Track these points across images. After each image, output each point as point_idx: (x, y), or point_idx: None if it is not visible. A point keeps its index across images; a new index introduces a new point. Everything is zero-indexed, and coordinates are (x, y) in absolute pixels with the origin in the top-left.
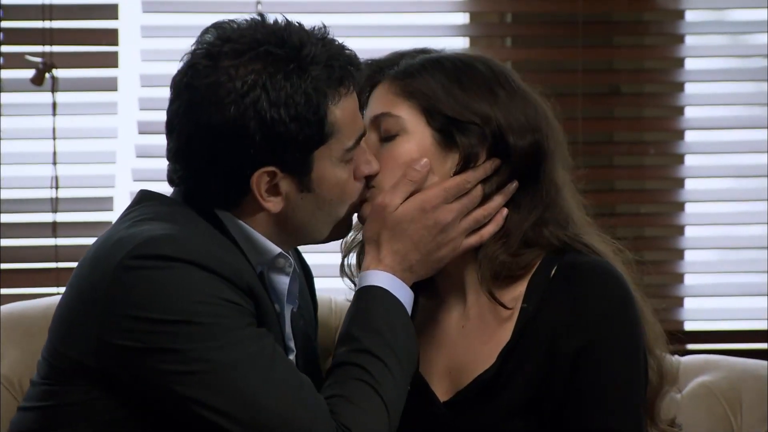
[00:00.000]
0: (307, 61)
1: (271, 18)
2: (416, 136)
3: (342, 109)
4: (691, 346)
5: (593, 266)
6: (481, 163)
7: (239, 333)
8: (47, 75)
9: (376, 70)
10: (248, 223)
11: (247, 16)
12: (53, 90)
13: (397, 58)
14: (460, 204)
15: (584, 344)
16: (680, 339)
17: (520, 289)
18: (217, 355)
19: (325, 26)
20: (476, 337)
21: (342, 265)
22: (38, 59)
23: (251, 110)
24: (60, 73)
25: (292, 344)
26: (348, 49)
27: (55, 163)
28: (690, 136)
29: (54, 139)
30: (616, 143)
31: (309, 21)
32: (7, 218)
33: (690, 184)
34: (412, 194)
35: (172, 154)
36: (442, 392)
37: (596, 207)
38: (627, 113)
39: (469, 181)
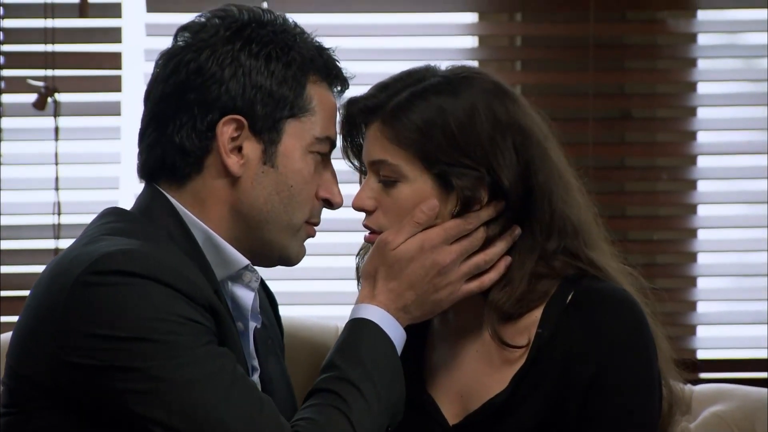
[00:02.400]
0: (295, 37)
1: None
2: (416, 182)
3: (320, 96)
4: (703, 375)
5: (609, 293)
6: (485, 205)
7: (198, 351)
8: (49, 99)
9: (365, 111)
10: (206, 209)
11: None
12: (55, 114)
13: (384, 96)
14: (460, 246)
15: (599, 371)
16: (693, 368)
17: (536, 314)
18: (174, 373)
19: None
20: (490, 361)
21: (358, 279)
22: (40, 83)
23: (230, 56)
24: (62, 97)
25: (255, 363)
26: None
27: (57, 189)
28: (703, 161)
29: (56, 164)
30: (628, 168)
31: None
32: (9, 245)
33: (703, 211)
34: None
35: (145, 125)
36: (452, 415)
37: (607, 233)
38: (638, 138)
39: (470, 222)
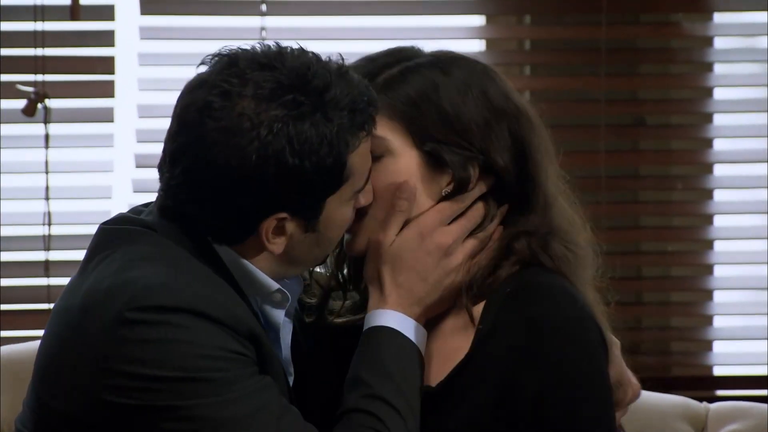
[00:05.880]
0: (330, 106)
1: (285, 44)
2: (403, 157)
3: (359, 154)
4: (720, 392)
5: (547, 287)
6: (475, 182)
7: (243, 386)
8: (39, 105)
9: None
10: (245, 257)
11: (262, 46)
12: (46, 121)
13: (374, 68)
14: (459, 225)
15: (546, 384)
16: (709, 385)
17: (481, 306)
18: (221, 411)
19: (342, 57)
20: (434, 351)
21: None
22: (30, 89)
23: (273, 158)
24: (53, 103)
25: (291, 369)
26: (367, 86)
27: (47, 199)
28: (719, 170)
29: (47, 173)
30: (641, 177)
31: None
32: None
33: (719, 221)
34: (405, 224)
35: (174, 185)
36: None
37: (620, 245)
38: (652, 146)
39: (463, 200)
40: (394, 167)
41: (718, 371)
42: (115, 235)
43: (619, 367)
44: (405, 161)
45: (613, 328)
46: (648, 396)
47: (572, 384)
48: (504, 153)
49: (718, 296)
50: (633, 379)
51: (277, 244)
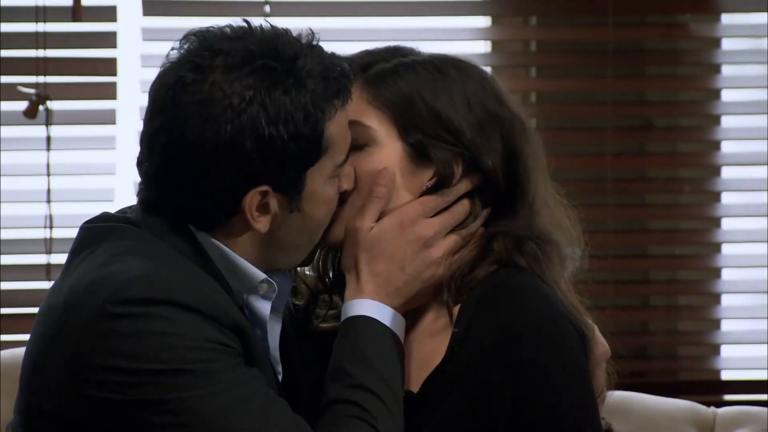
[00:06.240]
0: (303, 74)
1: (255, 23)
2: (387, 148)
3: (336, 124)
4: (727, 397)
5: (521, 289)
6: (458, 179)
7: (228, 377)
8: (41, 107)
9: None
10: (231, 244)
11: (231, 23)
12: (47, 123)
13: (370, 59)
14: (441, 219)
15: (523, 386)
16: (716, 389)
17: (457, 309)
18: (209, 403)
19: (313, 31)
20: (413, 355)
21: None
22: (31, 90)
23: (249, 128)
24: (54, 105)
25: (279, 368)
26: (339, 58)
27: (49, 201)
28: (727, 172)
29: (48, 175)
30: (648, 180)
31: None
32: None
33: (727, 224)
34: (383, 213)
35: (153, 173)
36: None
37: (627, 248)
38: (659, 148)
39: (448, 195)
40: (377, 157)
41: (726, 375)
42: (97, 232)
43: (604, 347)
44: (388, 152)
45: (619, 332)
46: (655, 400)
47: (550, 385)
48: (494, 155)
49: (726, 300)
50: (602, 339)
51: (263, 222)
